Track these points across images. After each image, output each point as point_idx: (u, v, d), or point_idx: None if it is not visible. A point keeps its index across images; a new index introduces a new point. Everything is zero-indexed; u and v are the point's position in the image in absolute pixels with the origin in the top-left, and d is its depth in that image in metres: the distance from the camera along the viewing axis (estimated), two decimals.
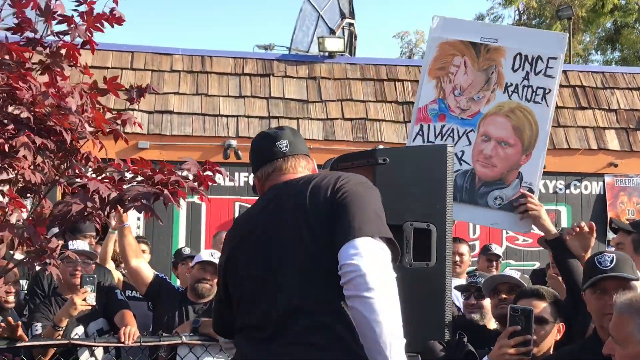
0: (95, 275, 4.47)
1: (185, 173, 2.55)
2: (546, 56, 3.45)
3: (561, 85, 9.15)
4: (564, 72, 9.42)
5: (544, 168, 8.38)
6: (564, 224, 8.60)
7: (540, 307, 3.07)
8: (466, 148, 3.48)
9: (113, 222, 4.31)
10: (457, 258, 5.47)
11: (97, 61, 8.47)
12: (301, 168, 2.40)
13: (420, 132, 3.54)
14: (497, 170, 3.43)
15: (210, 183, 2.72)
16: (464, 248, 5.55)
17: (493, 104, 3.48)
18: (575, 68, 10.06)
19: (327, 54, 9.22)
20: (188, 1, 55.67)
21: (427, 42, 3.62)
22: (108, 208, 2.49)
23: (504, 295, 3.63)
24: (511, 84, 3.46)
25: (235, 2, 55.73)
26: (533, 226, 3.44)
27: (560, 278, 3.54)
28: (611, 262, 2.77)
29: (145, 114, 8.29)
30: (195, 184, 2.60)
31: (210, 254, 4.50)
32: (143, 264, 4.49)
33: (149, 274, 4.45)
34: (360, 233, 2.03)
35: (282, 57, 9.35)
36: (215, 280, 4.35)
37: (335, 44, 9.26)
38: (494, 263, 5.94)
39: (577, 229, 3.26)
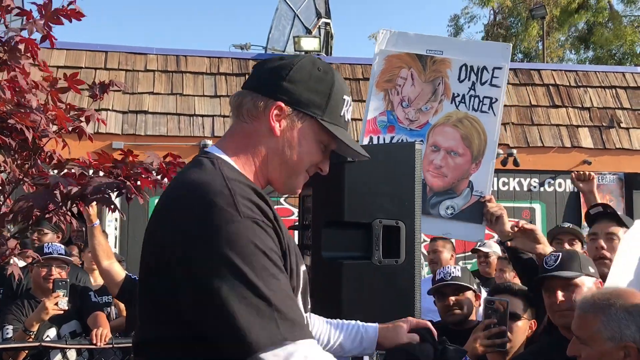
0: (68, 280, 4.41)
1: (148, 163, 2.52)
2: (491, 66, 3.51)
3: (535, 84, 9.24)
4: (538, 70, 9.50)
5: (518, 166, 8.50)
6: (539, 221, 8.67)
7: (513, 302, 3.08)
8: None
9: (91, 213, 4.19)
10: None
11: (70, 61, 8.40)
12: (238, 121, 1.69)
13: (370, 144, 3.55)
14: (448, 180, 3.46)
15: (173, 176, 2.69)
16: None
17: (441, 115, 3.52)
18: (549, 67, 10.15)
19: (303, 53, 9.22)
20: (163, 0, 55.42)
21: (374, 56, 3.63)
22: (69, 203, 2.45)
23: (452, 299, 3.60)
24: (458, 95, 3.52)
25: (211, 2, 55.60)
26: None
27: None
28: (555, 261, 2.81)
29: (119, 114, 8.23)
30: (159, 177, 2.57)
31: None
32: (115, 265, 4.44)
33: (120, 274, 4.40)
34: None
35: (258, 56, 9.33)
36: None
37: (311, 44, 9.28)
38: (484, 259, 5.94)
39: (515, 229, 3.29)
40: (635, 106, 9.26)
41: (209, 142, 8.23)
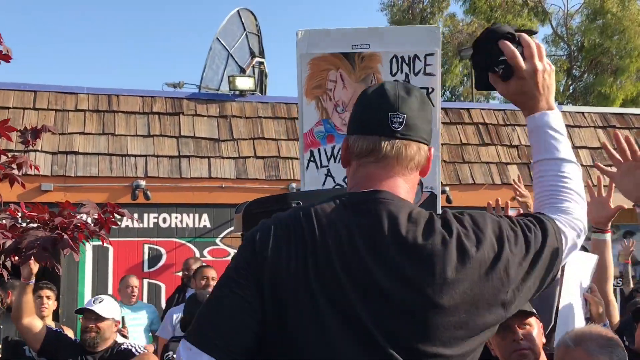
0: (2, 327, 4.22)
1: (84, 217, 2.42)
2: (423, 53, 3.26)
3: (464, 123, 9.49)
4: (468, 110, 9.77)
5: (451, 203, 8.64)
6: None
7: None
8: None
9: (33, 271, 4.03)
10: None
11: None
12: (410, 168, 1.63)
13: (312, 159, 3.31)
14: None
15: (113, 226, 2.60)
16: None
17: None
18: (478, 106, 10.46)
19: (237, 92, 9.22)
20: (95, 39, 54.72)
21: (297, 61, 3.31)
22: (3, 257, 2.34)
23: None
24: None
25: (143, 40, 55.21)
26: None
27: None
28: None
29: (48, 155, 8.01)
30: (96, 227, 2.47)
31: (92, 301, 4.30)
32: (35, 321, 4.25)
33: (41, 329, 4.21)
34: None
35: (192, 95, 9.28)
36: (102, 324, 4.16)
37: (245, 83, 9.29)
38: None
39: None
40: None
41: (142, 182, 8.08)
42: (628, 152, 2.23)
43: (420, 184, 3.31)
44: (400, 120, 1.60)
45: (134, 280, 6.77)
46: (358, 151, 1.62)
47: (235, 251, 1.61)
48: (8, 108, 8.10)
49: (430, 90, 3.27)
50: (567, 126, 9.77)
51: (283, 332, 1.47)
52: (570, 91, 25.43)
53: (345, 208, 1.56)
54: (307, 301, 1.46)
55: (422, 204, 3.29)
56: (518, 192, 3.52)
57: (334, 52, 3.24)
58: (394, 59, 3.26)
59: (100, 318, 4.13)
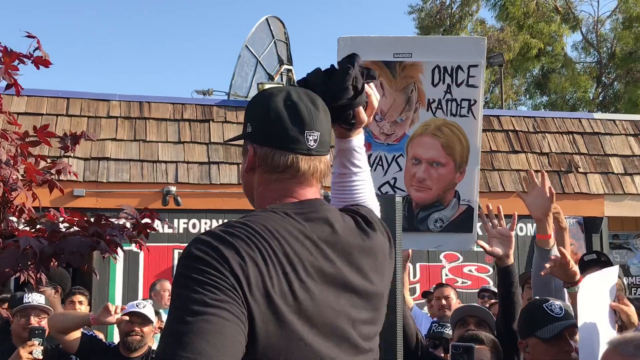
0: (45, 328, 4.28)
1: (122, 222, 2.46)
2: (466, 65, 3.19)
3: (494, 130, 9.42)
4: (497, 117, 9.71)
5: (480, 211, 8.59)
6: None
7: (480, 352, 3.07)
8: (398, 174, 3.26)
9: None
10: (444, 302, 5.49)
11: (31, 107, 8.30)
12: (319, 180, 1.75)
13: None
14: (433, 192, 3.22)
15: (149, 231, 2.63)
16: (450, 291, 5.63)
17: (418, 124, 3.23)
18: (508, 113, 10.38)
19: None
20: (126, 47, 55.44)
21: None
22: (41, 262, 2.38)
23: (472, 327, 3.54)
24: (434, 100, 3.21)
25: (173, 48, 55.78)
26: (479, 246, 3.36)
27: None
28: (561, 309, 2.82)
29: (81, 160, 8.13)
30: (134, 232, 2.50)
31: (136, 304, 4.37)
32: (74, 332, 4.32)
33: (76, 332, 4.28)
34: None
35: (222, 102, 9.35)
36: (146, 329, 4.23)
37: None
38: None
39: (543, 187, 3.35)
40: (592, 151, 9.50)
41: (173, 188, 8.16)
42: None
43: (457, 196, 3.27)
44: (315, 137, 1.68)
45: (169, 284, 6.90)
46: (274, 165, 1.68)
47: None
48: (42, 114, 8.23)
49: (472, 102, 3.22)
50: (598, 134, 9.67)
51: (269, 341, 1.46)
52: (600, 99, 25.12)
53: (294, 218, 1.62)
54: (294, 312, 1.49)
55: (457, 217, 3.25)
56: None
57: (375, 60, 3.17)
58: (436, 69, 3.21)
59: (145, 322, 4.23)
